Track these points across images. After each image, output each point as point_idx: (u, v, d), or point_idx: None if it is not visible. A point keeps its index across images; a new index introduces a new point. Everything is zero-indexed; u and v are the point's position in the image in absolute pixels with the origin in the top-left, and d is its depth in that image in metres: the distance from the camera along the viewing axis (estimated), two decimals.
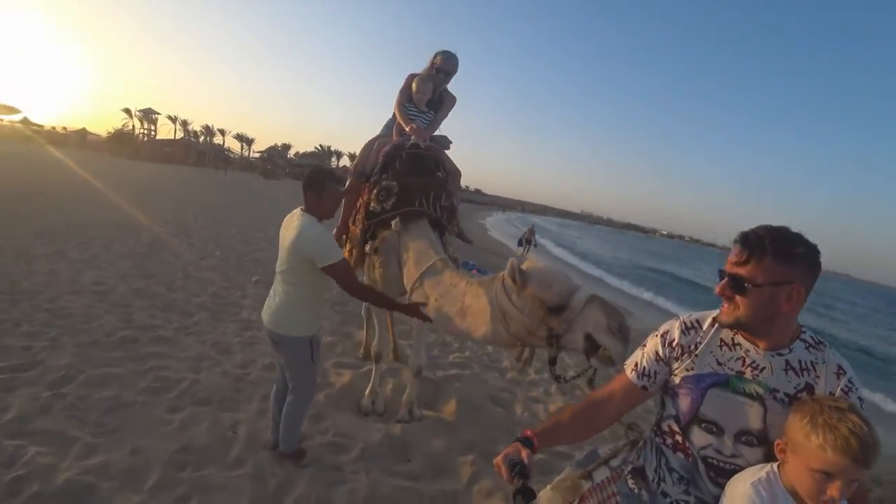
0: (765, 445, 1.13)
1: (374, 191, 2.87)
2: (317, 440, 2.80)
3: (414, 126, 3.07)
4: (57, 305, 4.18)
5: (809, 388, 1.12)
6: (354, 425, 3.04)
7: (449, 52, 3.26)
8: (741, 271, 1.10)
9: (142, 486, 2.17)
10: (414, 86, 3.20)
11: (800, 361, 1.13)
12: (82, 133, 43.50)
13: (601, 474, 1.50)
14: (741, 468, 1.16)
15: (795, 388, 1.12)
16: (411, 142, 3.00)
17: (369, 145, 3.25)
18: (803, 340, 1.15)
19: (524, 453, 1.15)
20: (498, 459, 1.15)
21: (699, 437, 1.19)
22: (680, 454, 1.24)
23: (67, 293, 4.54)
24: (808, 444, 1.00)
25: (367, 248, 2.94)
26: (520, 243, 20.00)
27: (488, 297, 2.11)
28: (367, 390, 3.36)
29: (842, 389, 1.11)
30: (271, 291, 2.45)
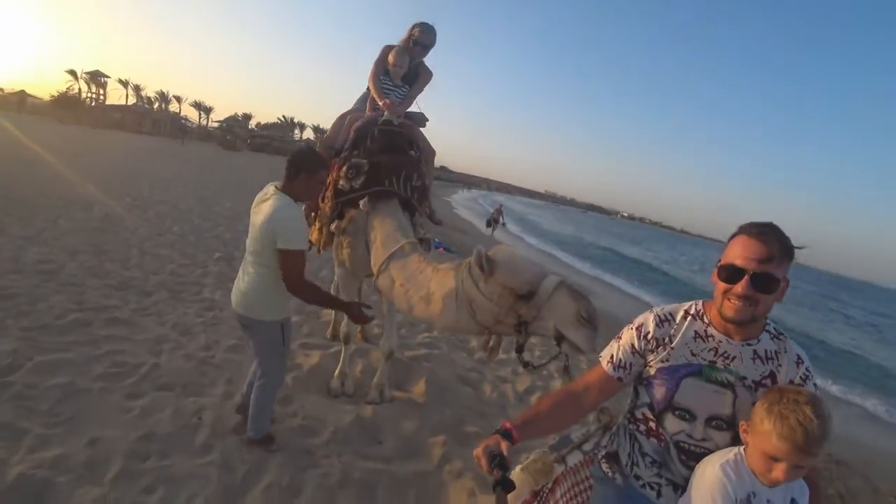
0: (732, 429, 1.21)
1: (344, 168, 2.77)
2: (286, 423, 2.76)
3: (388, 101, 2.95)
4: None
5: (772, 376, 1.19)
6: (324, 407, 3.02)
7: (427, 24, 3.14)
8: (769, 269, 1.10)
9: (102, 478, 2.08)
10: (390, 58, 3.07)
11: (766, 351, 1.20)
12: (21, 95, 40.06)
13: (574, 458, 1.55)
14: (710, 451, 1.23)
15: (761, 375, 1.19)
16: (384, 118, 2.89)
17: (341, 119, 3.13)
18: (768, 331, 1.23)
19: (504, 445, 1.18)
20: (478, 451, 1.18)
21: (672, 423, 1.25)
22: (653, 440, 1.30)
23: (10, 272, 4.23)
24: (761, 428, 1.09)
25: (334, 227, 2.86)
26: (488, 224, 19.84)
27: (455, 284, 2.08)
28: (337, 372, 3.34)
29: (800, 377, 1.20)
30: (240, 272, 2.36)
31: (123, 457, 2.22)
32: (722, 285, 1.17)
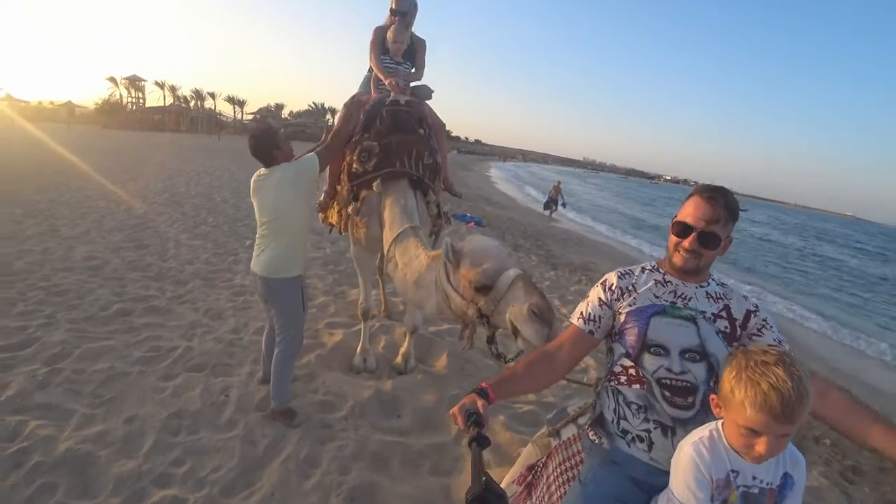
0: (705, 360, 1.27)
1: (356, 151, 2.83)
2: (307, 399, 2.89)
3: (393, 81, 2.96)
4: (51, 283, 4.23)
5: (727, 309, 1.33)
6: (345, 383, 3.13)
7: None
8: (715, 229, 1.28)
9: (137, 452, 2.28)
10: (390, 35, 3.08)
11: (715, 292, 1.36)
12: (69, 106, 42.42)
13: (568, 432, 1.54)
14: (691, 384, 1.25)
15: (717, 310, 1.32)
16: (391, 98, 2.91)
17: (348, 107, 3.12)
18: (713, 280, 1.40)
19: (479, 403, 1.21)
20: (454, 409, 1.22)
21: (650, 361, 1.30)
22: (636, 386, 1.31)
23: (61, 270, 4.58)
24: (732, 400, 0.99)
25: (351, 209, 2.94)
26: (545, 206, 16.86)
27: (434, 274, 2.13)
28: (358, 349, 3.44)
29: (756, 326, 1.31)
30: (259, 246, 2.59)
31: (156, 432, 2.42)
32: (674, 239, 1.34)
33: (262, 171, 2.57)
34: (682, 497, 1.06)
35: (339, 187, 3.07)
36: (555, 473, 1.47)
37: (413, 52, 3.23)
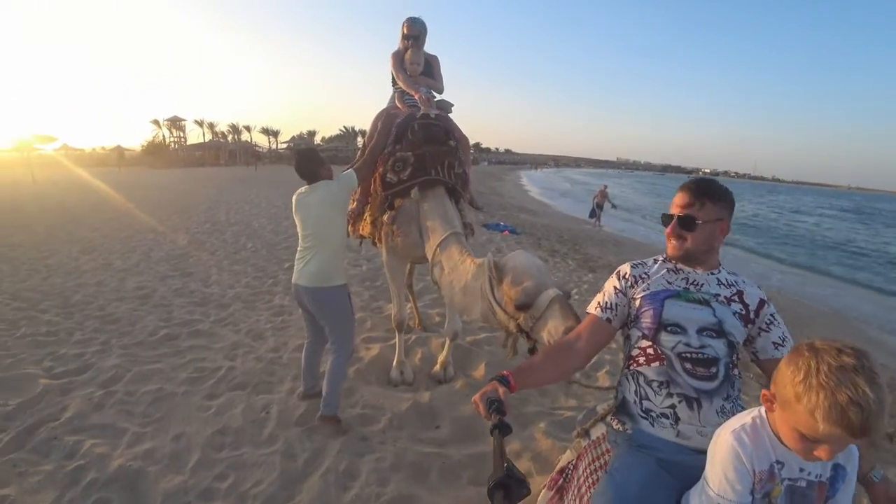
0: (724, 337, 1.29)
1: (390, 161, 2.96)
2: (346, 413, 2.90)
3: (422, 95, 3.19)
4: (105, 312, 4.49)
5: (740, 294, 1.36)
6: (383, 396, 3.13)
7: (411, 17, 3.38)
8: (690, 212, 1.37)
9: (184, 468, 2.35)
10: (407, 58, 3.31)
11: (726, 279, 1.40)
12: (119, 150, 45.42)
13: (597, 431, 1.49)
14: (711, 357, 1.25)
15: (729, 294, 1.36)
16: (422, 112, 3.09)
17: (379, 121, 3.24)
18: (724, 269, 1.44)
19: (500, 391, 1.22)
20: (476, 397, 1.22)
21: (668, 339, 1.32)
22: (655, 363, 1.32)
23: (114, 300, 4.86)
24: (797, 406, 0.85)
25: (386, 217, 3.03)
26: (591, 214, 15.75)
27: (480, 282, 2.20)
28: (395, 361, 3.45)
29: (766, 320, 1.33)
30: (301, 260, 2.73)
31: (201, 448, 2.48)
32: (665, 230, 1.43)
33: (305, 188, 2.74)
34: (719, 489, 0.96)
35: (370, 198, 3.17)
36: (585, 473, 1.41)
37: (430, 69, 3.42)
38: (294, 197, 2.78)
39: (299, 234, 2.76)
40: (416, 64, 3.30)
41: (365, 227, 3.28)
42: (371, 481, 2.30)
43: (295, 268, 2.78)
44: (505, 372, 1.30)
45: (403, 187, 2.89)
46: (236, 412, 2.83)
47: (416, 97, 3.20)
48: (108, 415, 2.80)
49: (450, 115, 3.37)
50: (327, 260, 2.68)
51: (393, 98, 3.52)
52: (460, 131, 3.25)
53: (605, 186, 16.54)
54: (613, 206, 16.34)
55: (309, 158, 2.71)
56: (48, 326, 4.08)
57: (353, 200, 3.29)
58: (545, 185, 43.10)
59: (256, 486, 2.24)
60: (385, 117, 3.18)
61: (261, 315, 4.61)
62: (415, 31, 3.35)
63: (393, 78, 3.46)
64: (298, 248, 2.78)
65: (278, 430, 2.68)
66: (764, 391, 0.99)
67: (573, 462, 1.51)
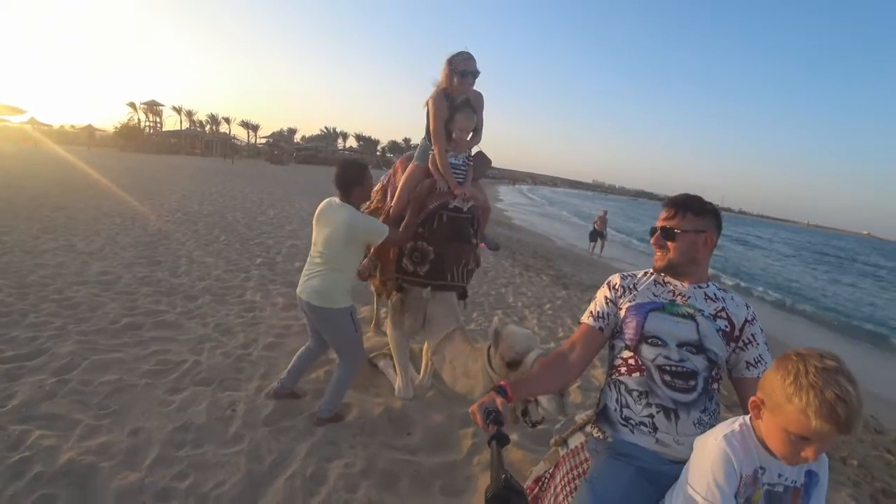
0: (703, 353, 1.32)
1: (408, 247, 2.81)
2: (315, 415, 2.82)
3: (461, 190, 2.76)
4: (64, 296, 4.25)
5: (725, 311, 1.39)
6: (354, 400, 3.06)
7: (465, 51, 2.76)
8: (670, 223, 1.45)
9: (140, 465, 2.22)
10: (461, 123, 2.75)
11: (714, 294, 1.44)
12: (89, 130, 43.74)
13: (576, 440, 1.51)
14: (690, 370, 1.29)
15: (715, 310, 1.39)
16: (454, 204, 2.76)
17: (416, 193, 2.82)
18: (713, 284, 1.48)
19: (498, 401, 1.24)
20: (473, 408, 1.23)
21: (648, 351, 1.36)
22: (636, 374, 1.36)
23: (74, 284, 4.61)
24: (788, 407, 0.93)
25: (395, 299, 3.00)
26: (592, 238, 14.64)
27: (481, 361, 2.26)
28: (397, 382, 3.21)
29: (750, 335, 1.37)
30: (309, 270, 2.68)
31: (161, 445, 2.35)
32: (651, 242, 1.50)
33: (335, 200, 2.69)
34: (704, 492, 1.01)
35: (383, 262, 3.00)
36: (563, 482, 1.42)
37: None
38: (323, 202, 2.74)
39: (312, 244, 2.73)
40: (466, 131, 2.77)
41: (375, 283, 3.23)
42: (339, 487, 2.23)
43: (301, 278, 2.72)
44: (502, 382, 1.32)
45: (418, 282, 2.83)
46: (200, 408, 2.70)
47: (456, 193, 2.73)
48: (59, 404, 2.62)
49: (487, 169, 3.09)
50: (334, 281, 2.62)
51: (423, 151, 2.89)
52: (486, 200, 3.01)
53: (605, 212, 15.13)
54: (603, 236, 14.75)
55: (350, 171, 2.62)
56: None
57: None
58: (523, 201, 43.67)
59: (218, 487, 2.13)
60: (423, 194, 2.78)
61: (231, 310, 4.46)
62: (474, 67, 2.72)
63: (428, 127, 2.82)
64: (308, 257, 2.74)
65: (244, 429, 2.57)
66: (752, 398, 1.05)
67: (550, 471, 1.51)
